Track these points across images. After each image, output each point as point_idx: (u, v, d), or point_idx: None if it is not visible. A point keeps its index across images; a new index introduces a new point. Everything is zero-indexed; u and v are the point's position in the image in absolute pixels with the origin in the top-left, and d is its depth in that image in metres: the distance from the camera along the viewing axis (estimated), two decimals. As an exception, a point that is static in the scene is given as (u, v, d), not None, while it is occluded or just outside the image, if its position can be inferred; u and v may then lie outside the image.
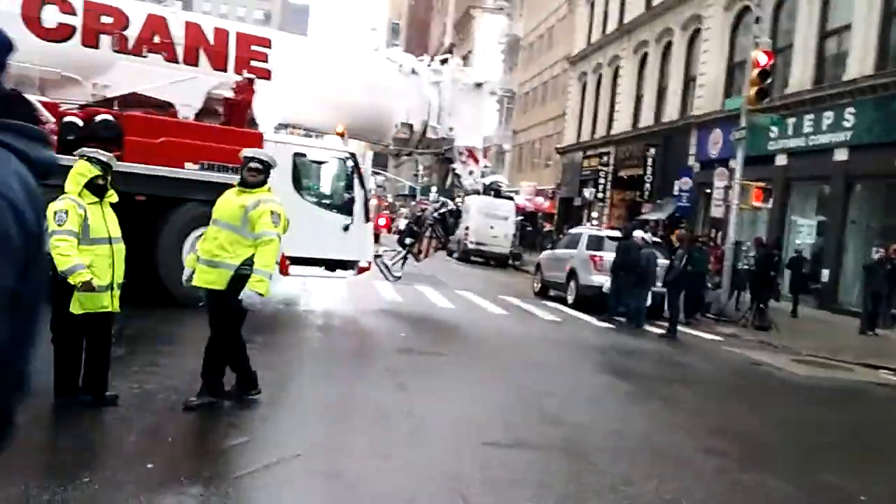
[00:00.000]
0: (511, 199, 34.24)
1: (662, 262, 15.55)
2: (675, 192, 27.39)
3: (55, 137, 9.84)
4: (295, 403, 6.88)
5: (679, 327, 14.39)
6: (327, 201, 12.66)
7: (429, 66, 14.95)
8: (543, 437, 6.52)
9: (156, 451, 5.14)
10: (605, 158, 36.04)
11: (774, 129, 22.64)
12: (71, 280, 5.49)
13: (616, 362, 11.08)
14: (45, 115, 9.98)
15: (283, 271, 11.62)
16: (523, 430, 6.70)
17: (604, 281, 16.74)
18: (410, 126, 14.34)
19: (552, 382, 8.86)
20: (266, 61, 12.62)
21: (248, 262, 6.15)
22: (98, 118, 10.48)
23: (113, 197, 6.04)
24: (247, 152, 6.56)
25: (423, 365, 9.20)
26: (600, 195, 35.91)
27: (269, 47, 12.87)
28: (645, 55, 34.29)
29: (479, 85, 15.34)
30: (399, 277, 14.53)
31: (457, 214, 15.15)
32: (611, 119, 37.23)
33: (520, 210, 47.57)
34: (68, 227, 5.54)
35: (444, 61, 15.53)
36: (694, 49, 30.23)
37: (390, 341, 10.67)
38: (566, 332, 13.94)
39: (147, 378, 6.88)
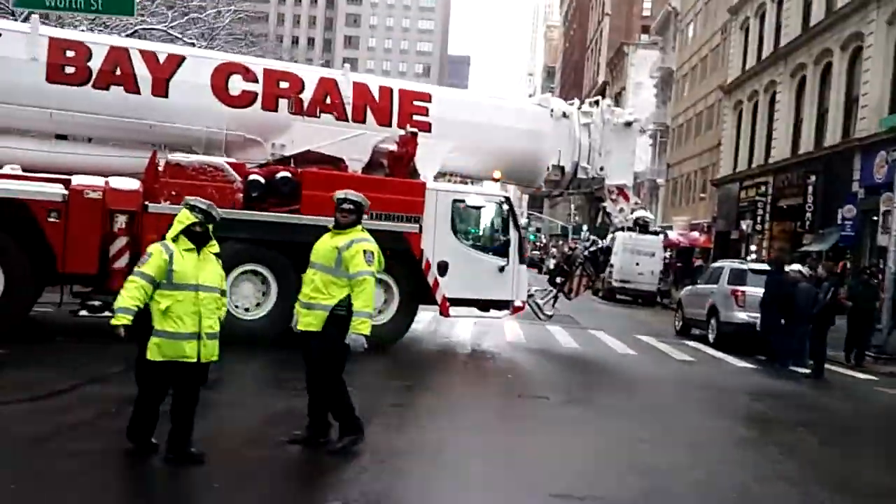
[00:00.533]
0: (657, 233, 32.98)
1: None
2: (839, 221, 25.45)
3: (241, 195, 10.94)
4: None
5: (840, 368, 13.10)
6: (484, 244, 13.27)
7: (579, 108, 15.24)
8: (622, 487, 6.03)
9: None
10: (763, 188, 34.15)
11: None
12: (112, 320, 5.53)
13: (740, 405, 10.22)
14: (233, 174, 10.99)
15: (444, 313, 12.27)
16: (603, 479, 6.23)
17: (746, 318, 15.67)
18: (562, 168, 14.56)
19: (655, 427, 8.25)
20: (427, 115, 13.17)
21: (344, 303, 6.11)
22: (278, 175, 11.34)
23: (214, 247, 5.91)
24: (339, 193, 6.56)
25: (518, 409, 8.84)
26: (758, 227, 34.00)
27: (430, 101, 13.45)
28: (803, 79, 32.38)
29: (628, 124, 15.46)
30: (551, 316, 14.68)
31: (607, 252, 15.50)
32: (768, 147, 35.32)
33: (673, 245, 46.03)
34: (143, 269, 5.59)
35: (595, 103, 15.71)
36: (855, 68, 28.22)
37: (496, 383, 10.38)
38: (697, 372, 13.09)
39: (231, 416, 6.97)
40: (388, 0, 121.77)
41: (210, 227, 5.87)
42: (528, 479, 6.04)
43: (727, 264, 18.91)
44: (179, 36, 22.25)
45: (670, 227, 47.37)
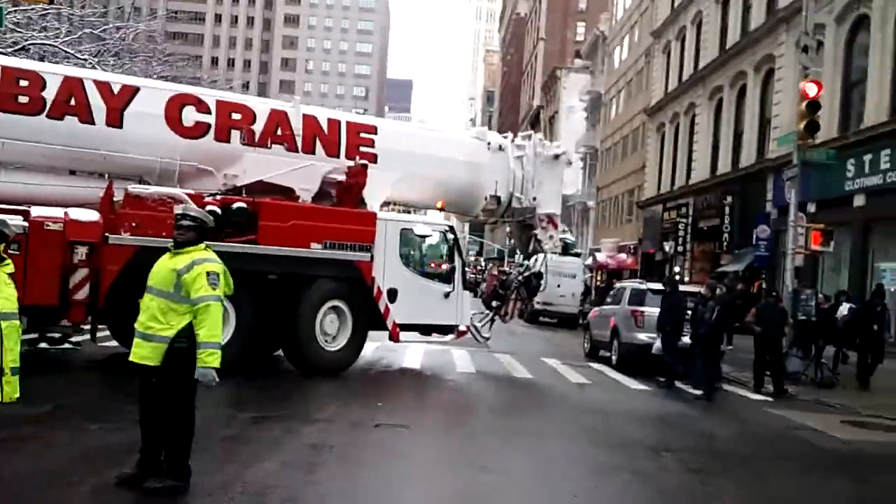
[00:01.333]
0: (578, 255, 32.97)
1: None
2: (754, 242, 25.64)
3: None
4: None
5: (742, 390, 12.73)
6: (430, 271, 13.69)
7: (512, 141, 15.98)
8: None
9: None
10: (684, 210, 34.45)
11: (851, 168, 20.95)
12: None
13: (613, 429, 9.74)
14: (192, 204, 10.29)
15: (395, 338, 12.81)
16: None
17: (646, 338, 15.42)
18: (498, 198, 15.24)
19: (508, 453, 7.75)
20: (373, 146, 13.65)
21: (185, 334, 5.50)
22: (234, 206, 11.38)
23: (9, 267, 5.29)
24: (177, 209, 5.99)
25: (370, 437, 8.22)
26: (680, 248, 34.22)
27: (376, 133, 13.98)
28: (720, 101, 32.85)
29: (556, 157, 16.27)
30: (488, 338, 15.05)
31: (539, 277, 16.36)
32: (689, 169, 35.70)
33: (602, 267, 46.16)
34: None
35: (527, 136, 16.52)
36: (768, 90, 28.69)
37: (358, 410, 9.74)
38: (585, 396, 12.74)
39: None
40: (325, 23, 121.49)
41: (1, 246, 5.22)
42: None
43: (628, 284, 18.71)
44: (73, 52, 21.33)
45: (598, 249, 47.60)
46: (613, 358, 16.70)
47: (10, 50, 19.63)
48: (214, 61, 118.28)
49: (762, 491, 7.26)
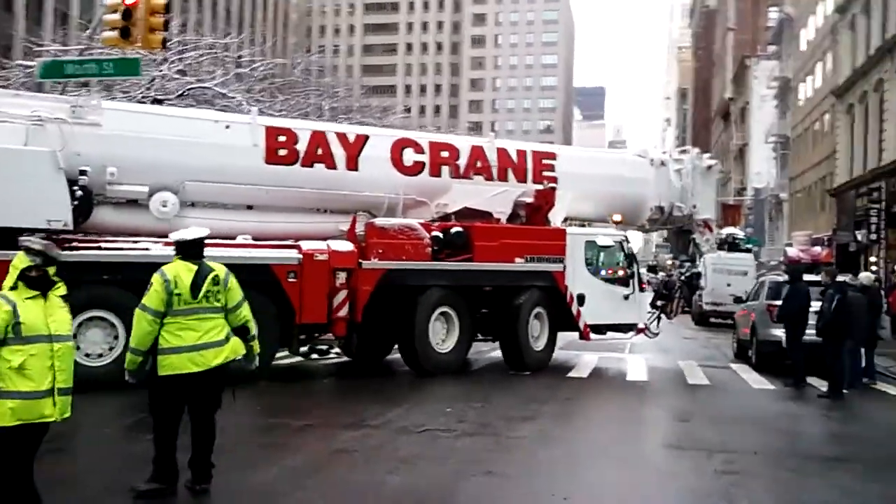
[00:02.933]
0: (749, 251, 30.95)
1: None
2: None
3: (429, 249, 13.03)
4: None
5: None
6: (611, 277, 15.22)
7: (671, 156, 17.94)
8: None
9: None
10: (876, 195, 31.40)
11: None
12: None
13: (673, 429, 9.19)
14: (423, 232, 13.08)
15: (586, 337, 14.67)
16: None
17: (783, 335, 14.29)
18: (661, 208, 16.97)
19: (545, 456, 7.56)
20: (553, 170, 15.46)
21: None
22: (452, 230, 13.41)
23: (61, 289, 5.31)
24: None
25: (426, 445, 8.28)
26: (873, 236, 31.21)
27: (555, 159, 15.81)
28: (910, 72, 29.75)
29: (709, 168, 18.38)
30: (657, 334, 16.43)
31: (698, 277, 18.88)
32: (880, 150, 32.53)
33: (794, 262, 42.93)
34: None
35: (684, 151, 18.72)
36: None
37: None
38: (682, 396, 12.14)
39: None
40: (510, 39, 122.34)
41: (52, 269, 5.27)
42: None
43: (767, 277, 17.43)
44: (224, 92, 23.29)
45: (790, 244, 44.44)
46: (753, 357, 15.64)
47: (172, 97, 21.84)
48: (408, 89, 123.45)
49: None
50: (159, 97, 21.54)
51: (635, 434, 8.69)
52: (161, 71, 22.46)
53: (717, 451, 7.84)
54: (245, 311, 6.33)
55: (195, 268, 6.12)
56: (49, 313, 5.07)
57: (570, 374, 13.85)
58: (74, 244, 10.87)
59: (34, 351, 4.89)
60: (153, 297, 5.97)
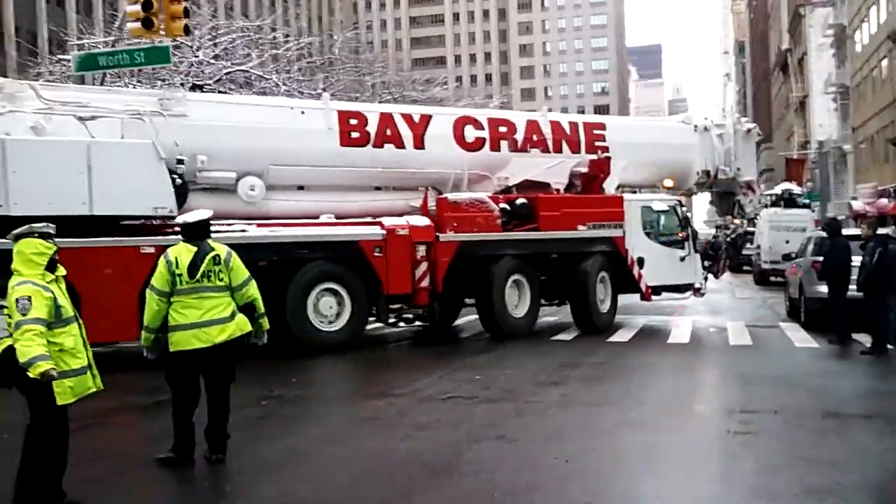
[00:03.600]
0: (807, 206, 30.11)
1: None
2: None
3: (499, 221, 13.77)
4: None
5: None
6: (667, 240, 15.76)
7: (713, 122, 18.33)
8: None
9: None
10: (940, 142, 30.19)
11: None
12: (31, 373, 4.92)
13: (718, 394, 9.09)
14: (492, 205, 13.81)
15: (647, 298, 15.43)
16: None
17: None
18: (707, 172, 17.56)
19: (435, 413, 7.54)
20: (604, 140, 16.03)
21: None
22: (518, 202, 14.14)
23: (62, 270, 5.52)
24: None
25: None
26: (938, 186, 30.07)
27: (605, 129, 16.42)
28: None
29: (749, 131, 18.80)
30: (705, 293, 17.16)
31: (744, 236, 19.29)
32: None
33: (859, 216, 41.62)
34: (34, 314, 5.05)
35: (726, 116, 20.60)
36: None
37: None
38: (719, 357, 12.02)
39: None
40: (558, 2, 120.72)
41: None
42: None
43: (813, 234, 16.94)
44: (261, 74, 23.50)
45: (854, 197, 43.08)
46: (802, 316, 15.28)
47: (211, 82, 22.17)
48: (457, 59, 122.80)
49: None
50: (198, 83, 21.86)
51: (657, 397, 8.55)
52: (197, 57, 22.78)
53: (738, 411, 7.70)
54: (251, 290, 6.46)
55: (195, 249, 6.27)
56: (66, 295, 5.39)
57: (611, 339, 13.75)
58: (177, 229, 11.22)
59: (73, 331, 5.26)
60: (158, 277, 6.18)
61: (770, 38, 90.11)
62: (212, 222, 8.81)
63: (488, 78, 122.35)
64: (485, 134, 14.88)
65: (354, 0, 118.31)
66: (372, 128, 13.74)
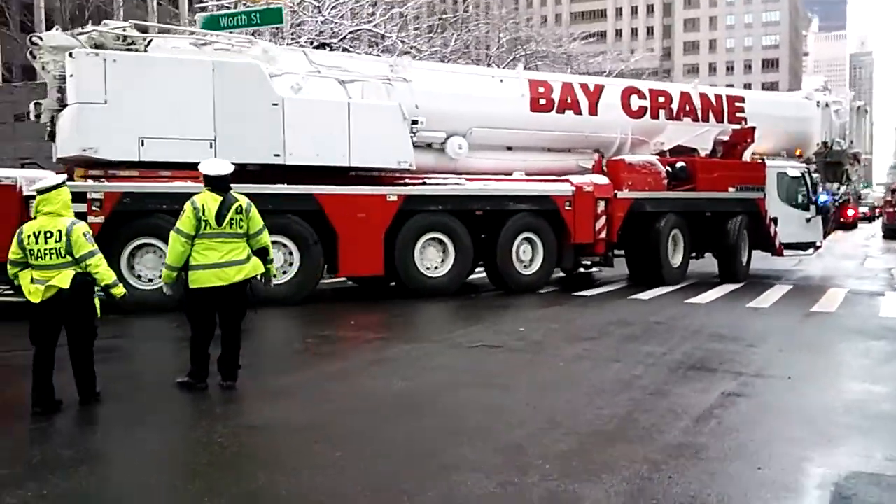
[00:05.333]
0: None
1: None
2: None
3: (665, 181, 15.76)
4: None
5: None
6: (796, 202, 17.59)
7: (832, 99, 20.20)
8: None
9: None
10: None
11: None
12: (115, 292, 6.34)
13: (735, 358, 8.94)
14: (660, 167, 15.79)
15: (780, 254, 17.29)
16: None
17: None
18: (826, 143, 19.46)
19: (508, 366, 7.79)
20: (743, 112, 17.97)
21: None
22: (678, 164, 16.13)
23: None
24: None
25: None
26: None
27: (744, 102, 18.25)
28: None
29: (859, 108, 21.58)
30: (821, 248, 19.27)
31: (848, 201, 22.20)
32: None
33: None
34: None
35: (843, 94, 21.64)
36: None
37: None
38: (793, 323, 11.51)
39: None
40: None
41: None
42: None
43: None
44: (382, 33, 24.20)
45: None
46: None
47: (336, 41, 23.11)
48: (618, 12, 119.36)
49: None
50: (324, 41, 22.88)
51: (678, 360, 8.39)
52: (323, 16, 23.79)
53: (750, 374, 7.66)
54: (265, 237, 7.17)
55: (220, 198, 6.99)
56: None
57: (690, 300, 13.61)
58: (406, 180, 13.68)
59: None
60: (185, 222, 6.85)
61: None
62: (424, 176, 12.98)
63: (650, 31, 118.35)
64: (646, 103, 16.67)
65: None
66: (556, 95, 15.53)
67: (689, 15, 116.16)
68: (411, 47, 24.09)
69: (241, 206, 7.04)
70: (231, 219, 6.96)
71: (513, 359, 8.56)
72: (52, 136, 12.23)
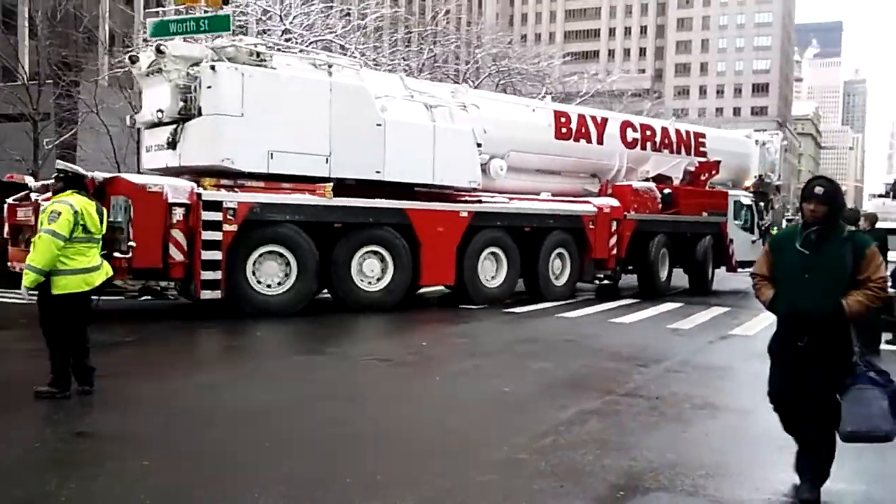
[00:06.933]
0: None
1: None
2: None
3: (659, 205, 17.98)
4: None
5: None
6: (746, 225, 20.42)
7: (765, 138, 23.02)
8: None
9: None
10: None
11: None
12: None
13: (609, 374, 8.89)
14: (656, 192, 17.96)
15: (734, 271, 20.00)
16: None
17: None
18: (759, 176, 21.96)
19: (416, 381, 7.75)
20: (704, 146, 20.32)
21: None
22: (665, 191, 18.21)
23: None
24: (58, 164, 7.55)
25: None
26: None
27: (705, 138, 20.61)
28: None
29: (784, 146, 24.78)
30: None
31: (771, 227, 22.35)
32: None
33: None
34: None
35: (774, 133, 24.54)
36: None
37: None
38: (627, 334, 11.45)
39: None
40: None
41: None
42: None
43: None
44: (343, 44, 24.27)
45: None
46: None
47: (296, 50, 23.12)
48: (611, 32, 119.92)
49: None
50: (287, 50, 22.89)
51: (560, 377, 8.26)
52: (284, 25, 23.90)
53: (620, 394, 7.61)
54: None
55: (93, 202, 6.99)
56: None
57: (615, 319, 13.58)
58: (465, 198, 15.06)
59: None
60: (65, 225, 6.64)
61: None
62: (477, 195, 15.18)
63: (642, 52, 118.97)
64: (638, 135, 18.63)
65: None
66: (574, 125, 17.22)
67: (681, 37, 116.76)
68: (373, 59, 24.13)
69: (103, 210, 7.05)
70: (101, 224, 6.97)
71: (391, 373, 8.54)
72: (173, 144, 12.42)
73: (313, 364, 8.85)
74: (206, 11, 17.37)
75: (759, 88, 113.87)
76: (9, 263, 12.31)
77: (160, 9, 22.51)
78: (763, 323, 13.54)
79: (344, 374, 8.40)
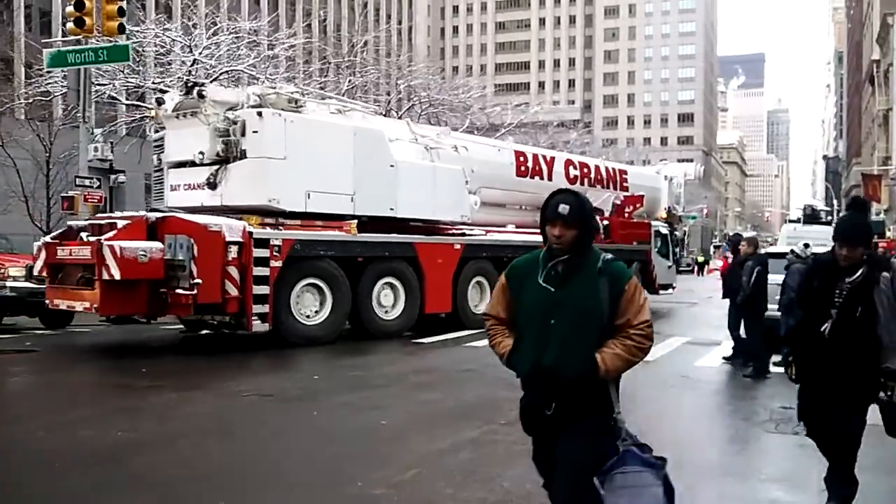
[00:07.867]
0: (830, 223, 28.81)
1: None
2: None
3: (602, 235, 19.07)
4: None
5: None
6: (663, 252, 22.58)
7: (672, 174, 25.41)
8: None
9: None
10: None
11: None
12: None
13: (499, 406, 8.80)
14: (598, 223, 18.08)
15: (657, 292, 21.84)
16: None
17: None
18: (669, 208, 24.20)
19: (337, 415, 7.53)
20: (627, 182, 22.32)
21: None
22: (604, 222, 19.40)
23: None
24: None
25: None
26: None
27: (627, 174, 22.71)
28: None
29: (686, 179, 27.46)
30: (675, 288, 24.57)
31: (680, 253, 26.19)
32: None
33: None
34: None
35: (679, 170, 26.82)
36: None
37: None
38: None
39: None
40: (646, 8, 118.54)
41: None
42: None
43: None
44: (254, 74, 24.09)
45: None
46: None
47: (207, 80, 22.85)
48: (541, 64, 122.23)
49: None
50: (195, 81, 22.56)
51: (446, 407, 8.21)
52: (192, 56, 23.59)
53: (501, 423, 7.47)
54: None
55: None
56: None
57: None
58: (451, 231, 16.13)
59: None
60: None
61: (864, 48, 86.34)
62: (460, 228, 16.36)
63: (571, 84, 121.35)
64: (577, 172, 20.29)
65: (442, 6, 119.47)
66: (530, 164, 18.59)
67: (608, 69, 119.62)
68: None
69: None
70: None
71: (270, 408, 8.29)
72: (213, 185, 12.80)
73: (187, 400, 8.54)
74: (97, 42, 17.19)
75: (685, 118, 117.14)
76: (46, 301, 12.62)
77: (57, 38, 22.11)
78: (667, 348, 13.70)
79: (217, 410, 8.16)
